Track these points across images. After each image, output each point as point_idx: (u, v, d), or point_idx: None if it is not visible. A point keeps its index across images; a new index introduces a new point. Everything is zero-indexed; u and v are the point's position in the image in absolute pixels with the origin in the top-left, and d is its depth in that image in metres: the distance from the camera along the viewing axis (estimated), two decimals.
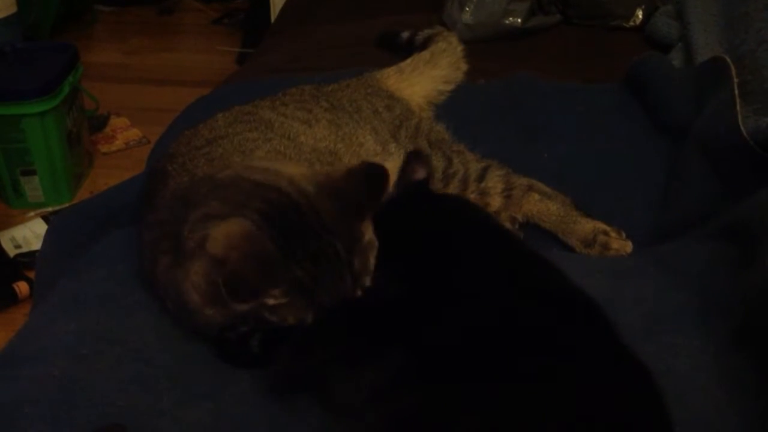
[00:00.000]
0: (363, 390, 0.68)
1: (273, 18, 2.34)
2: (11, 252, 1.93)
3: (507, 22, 1.67)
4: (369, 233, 0.77)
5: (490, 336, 0.67)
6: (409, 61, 1.38)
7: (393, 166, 1.08)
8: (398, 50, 1.53)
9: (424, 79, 1.36)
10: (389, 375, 0.67)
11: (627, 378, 0.66)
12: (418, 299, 0.72)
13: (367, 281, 0.77)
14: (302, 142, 1.01)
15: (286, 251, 0.72)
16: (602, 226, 1.05)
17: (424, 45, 1.47)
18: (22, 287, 1.80)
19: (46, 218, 2.07)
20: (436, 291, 0.73)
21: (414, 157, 0.93)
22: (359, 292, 0.76)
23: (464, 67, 1.43)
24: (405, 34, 1.56)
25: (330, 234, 0.74)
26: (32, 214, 2.13)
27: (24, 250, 1.95)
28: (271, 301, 0.72)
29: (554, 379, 0.62)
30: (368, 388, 0.68)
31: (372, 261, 0.77)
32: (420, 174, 0.91)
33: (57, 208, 2.13)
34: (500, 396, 0.61)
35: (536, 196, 1.09)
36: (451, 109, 1.35)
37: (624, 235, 1.04)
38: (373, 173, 0.77)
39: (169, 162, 0.96)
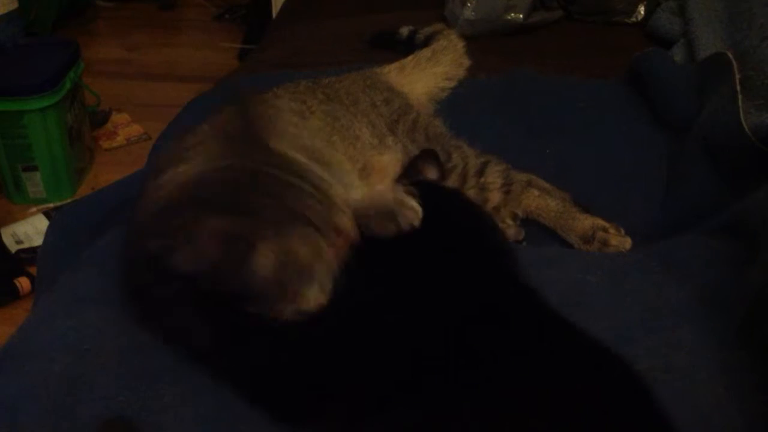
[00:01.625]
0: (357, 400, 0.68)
1: (274, 14, 2.35)
2: (12, 248, 1.94)
3: (508, 17, 1.67)
4: (279, 145, 0.78)
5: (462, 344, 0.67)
6: (410, 58, 1.38)
7: (390, 159, 1.08)
8: (397, 48, 1.53)
9: (426, 76, 1.36)
10: (380, 388, 0.67)
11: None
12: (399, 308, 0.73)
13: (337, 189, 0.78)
14: (289, 132, 1.00)
15: (244, 212, 0.72)
16: (601, 222, 1.05)
17: (426, 43, 1.47)
18: (23, 283, 1.80)
19: (47, 214, 2.07)
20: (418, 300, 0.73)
21: (427, 156, 0.93)
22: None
23: (466, 63, 1.43)
24: (404, 31, 1.56)
25: (257, 171, 0.74)
26: (34, 209, 2.13)
27: (25, 245, 1.95)
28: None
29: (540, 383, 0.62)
30: (360, 399, 0.68)
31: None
32: (432, 174, 0.91)
33: (58, 203, 2.13)
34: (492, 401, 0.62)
35: (535, 192, 1.09)
36: (452, 104, 1.35)
37: (623, 231, 1.04)
38: (239, 98, 0.79)
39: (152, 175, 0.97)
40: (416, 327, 0.70)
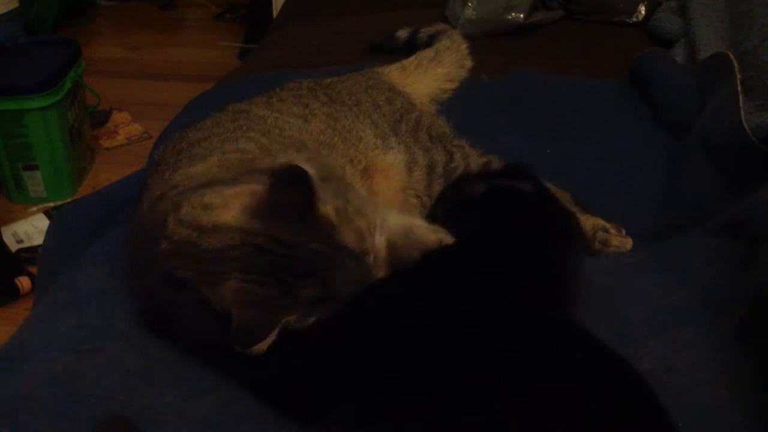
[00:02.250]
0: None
1: (275, 13, 2.34)
2: (13, 247, 1.94)
3: (509, 17, 1.67)
4: (331, 210, 0.77)
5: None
6: (412, 58, 1.38)
7: (393, 159, 1.08)
8: (395, 51, 1.51)
9: (428, 77, 1.36)
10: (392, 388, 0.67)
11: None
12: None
13: (376, 237, 0.79)
14: (290, 136, 1.01)
15: (278, 284, 0.73)
16: (602, 222, 1.05)
17: (428, 43, 1.47)
18: (24, 282, 1.81)
19: (48, 213, 2.07)
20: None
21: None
22: (372, 256, 0.78)
23: (468, 64, 1.43)
24: (402, 34, 1.55)
25: (301, 246, 0.75)
26: (34, 209, 2.13)
27: (26, 245, 1.95)
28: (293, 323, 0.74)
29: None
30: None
31: (360, 221, 0.79)
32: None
33: (59, 203, 2.13)
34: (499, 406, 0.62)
35: None
36: (454, 104, 1.34)
37: (624, 232, 1.04)
38: (292, 175, 0.77)
39: (153, 169, 0.97)
40: (421, 329, 0.70)
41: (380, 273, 0.80)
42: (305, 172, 0.76)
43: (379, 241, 0.81)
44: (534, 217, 0.85)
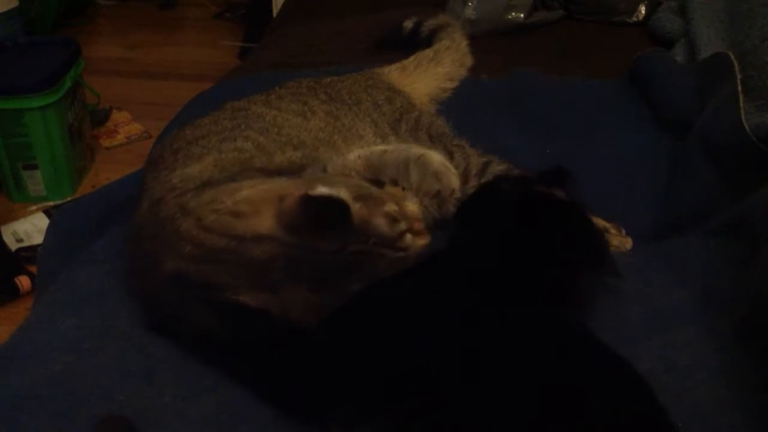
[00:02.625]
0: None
1: (275, 12, 2.35)
2: (13, 246, 1.94)
3: (510, 17, 1.67)
4: (358, 207, 0.78)
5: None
6: (412, 58, 1.38)
7: None
8: (403, 44, 1.52)
9: (428, 77, 1.36)
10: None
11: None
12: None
13: (408, 206, 0.81)
14: (288, 134, 1.01)
15: (328, 288, 0.75)
16: (602, 222, 1.04)
17: (429, 39, 1.47)
18: (23, 281, 1.80)
19: (47, 212, 2.07)
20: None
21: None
22: (408, 236, 0.80)
23: (469, 63, 1.43)
24: (408, 24, 1.55)
25: (340, 251, 0.76)
26: (34, 208, 2.13)
27: (26, 244, 1.95)
28: None
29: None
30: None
31: (389, 203, 0.80)
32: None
33: (59, 202, 2.13)
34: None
35: None
36: (454, 103, 1.35)
37: (624, 232, 1.04)
38: (327, 202, 0.77)
39: (151, 167, 0.97)
40: (421, 328, 0.70)
41: (422, 242, 0.81)
42: (341, 202, 0.76)
43: (412, 208, 0.82)
44: (563, 226, 0.85)
